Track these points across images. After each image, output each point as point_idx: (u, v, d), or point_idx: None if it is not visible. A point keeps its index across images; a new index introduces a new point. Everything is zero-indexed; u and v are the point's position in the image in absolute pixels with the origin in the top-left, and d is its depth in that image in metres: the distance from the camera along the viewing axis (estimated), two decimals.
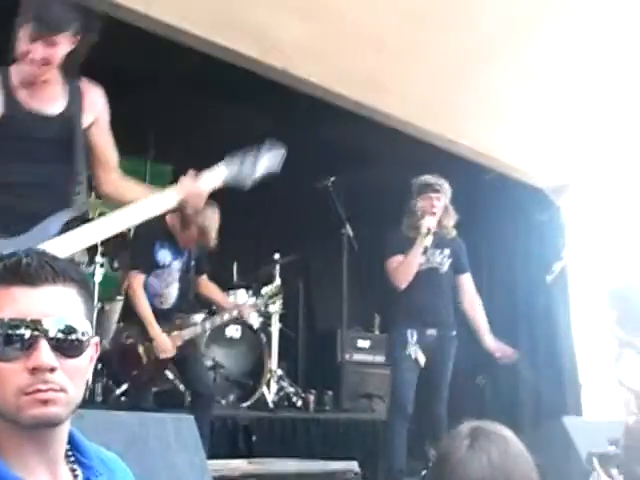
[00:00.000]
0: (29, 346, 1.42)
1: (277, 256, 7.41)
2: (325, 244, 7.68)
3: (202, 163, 5.37)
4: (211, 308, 6.31)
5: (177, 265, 5.29)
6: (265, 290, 5.95)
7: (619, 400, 6.29)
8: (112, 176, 3.44)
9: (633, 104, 6.69)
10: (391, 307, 5.61)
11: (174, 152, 7.36)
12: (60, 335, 1.45)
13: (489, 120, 6.68)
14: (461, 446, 1.71)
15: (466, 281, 5.69)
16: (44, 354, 1.42)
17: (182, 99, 6.58)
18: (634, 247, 7.49)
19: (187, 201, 3.32)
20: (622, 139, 7.44)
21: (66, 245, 2.96)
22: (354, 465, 3.71)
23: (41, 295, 1.46)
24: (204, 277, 5.65)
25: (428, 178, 5.55)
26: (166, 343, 5.05)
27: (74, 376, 1.47)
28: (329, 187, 6.93)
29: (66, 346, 1.46)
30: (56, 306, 1.47)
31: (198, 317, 6.00)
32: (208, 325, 5.53)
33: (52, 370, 1.42)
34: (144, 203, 3.25)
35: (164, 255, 5.23)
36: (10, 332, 1.42)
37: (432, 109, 6.76)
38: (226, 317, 5.61)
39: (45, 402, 1.42)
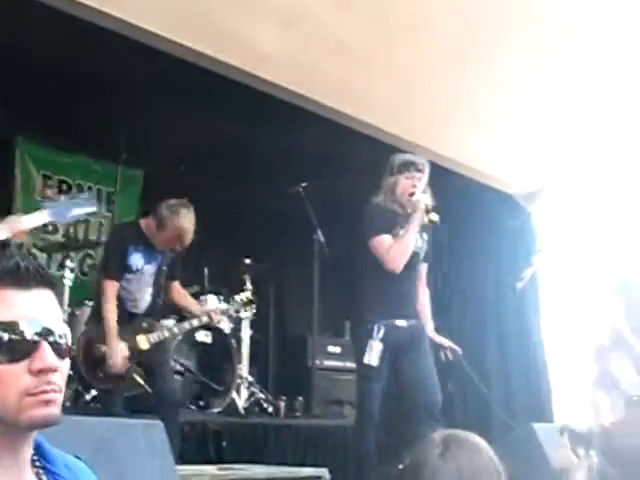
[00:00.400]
0: (33, 348, 1.44)
1: (248, 262, 7.40)
2: (296, 250, 7.68)
3: (173, 167, 5.35)
4: (182, 314, 6.28)
5: (150, 269, 5.29)
6: (238, 297, 5.93)
7: (589, 405, 6.31)
8: None
9: (603, 110, 6.76)
10: (359, 297, 5.16)
11: (145, 156, 7.34)
12: (57, 337, 1.48)
13: (459, 127, 6.71)
14: (433, 454, 1.72)
15: (424, 271, 5.41)
16: (50, 355, 1.45)
17: (154, 103, 6.55)
18: (606, 253, 7.56)
19: (13, 236, 3.64)
20: (593, 145, 7.51)
21: None
22: (324, 471, 3.71)
23: (35, 298, 1.48)
24: (176, 284, 5.63)
25: (409, 156, 5.24)
26: (117, 358, 5.05)
27: (64, 378, 1.51)
28: (301, 193, 6.92)
29: (60, 348, 1.49)
30: (48, 309, 1.51)
31: (168, 322, 5.97)
32: (177, 330, 5.51)
33: (54, 371, 1.45)
34: None
35: (137, 259, 5.23)
36: (12, 335, 1.44)
37: (403, 115, 6.78)
38: (195, 323, 5.59)
39: (47, 403, 1.44)
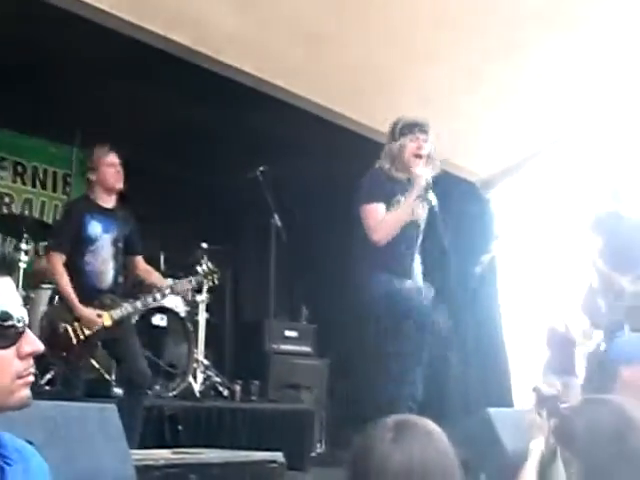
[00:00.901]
0: (19, 333, 1.54)
1: (205, 245, 7.36)
2: (253, 234, 7.68)
3: (129, 150, 5.31)
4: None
5: (108, 238, 5.28)
6: (200, 268, 5.88)
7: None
8: None
9: (559, 96, 6.83)
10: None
11: (101, 138, 7.25)
12: (25, 321, 1.57)
13: (420, 113, 6.73)
14: (384, 439, 1.72)
15: None
16: (36, 339, 1.56)
17: (110, 85, 6.48)
18: (561, 243, 7.64)
19: None
20: (549, 131, 7.59)
21: None
22: (279, 455, 3.72)
23: (8, 284, 1.57)
24: (139, 258, 5.59)
25: (413, 117, 4.91)
26: (92, 314, 5.03)
27: None
28: (259, 177, 6.91)
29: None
30: (17, 295, 1.59)
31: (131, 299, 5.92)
32: (139, 305, 5.44)
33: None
34: None
35: (95, 227, 5.23)
36: (3, 322, 1.51)
37: (362, 100, 6.79)
38: (159, 297, 5.53)
39: (29, 385, 1.55)
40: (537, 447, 3.11)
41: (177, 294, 5.79)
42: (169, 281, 5.78)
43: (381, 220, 4.65)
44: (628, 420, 2.57)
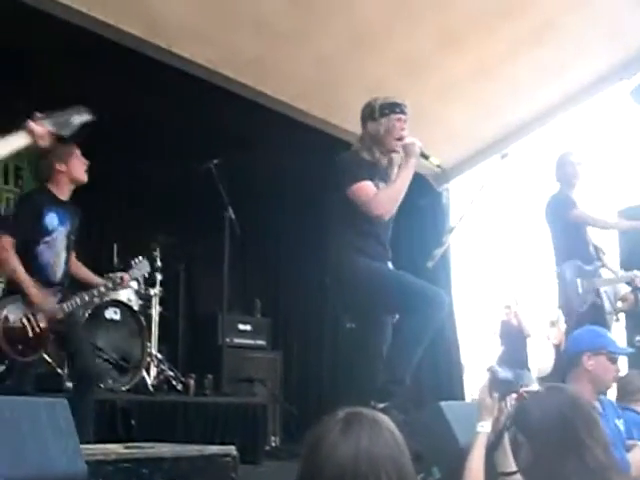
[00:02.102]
0: None
1: (158, 238, 7.31)
2: (207, 227, 7.62)
3: (80, 141, 5.24)
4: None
5: (63, 231, 5.25)
6: (141, 257, 5.86)
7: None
8: None
9: (511, 88, 6.90)
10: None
11: None
12: None
13: None
14: (334, 430, 1.74)
15: None
16: None
17: (60, 75, 6.40)
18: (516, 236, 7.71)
19: (35, 142, 3.66)
20: (503, 123, 7.66)
21: None
22: (232, 449, 3.70)
23: None
24: (73, 253, 5.54)
25: (391, 97, 4.65)
26: (44, 295, 5.00)
27: None
28: (212, 169, 6.87)
29: None
30: None
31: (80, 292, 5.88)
32: (87, 297, 5.40)
33: None
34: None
35: (52, 219, 5.18)
36: None
37: (316, 93, 6.80)
38: (103, 289, 5.50)
39: None
40: (484, 429, 3.14)
41: (124, 285, 5.74)
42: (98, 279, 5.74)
43: (377, 194, 4.45)
44: (577, 408, 2.62)
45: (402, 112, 4.60)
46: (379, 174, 4.59)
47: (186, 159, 7.08)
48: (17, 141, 3.64)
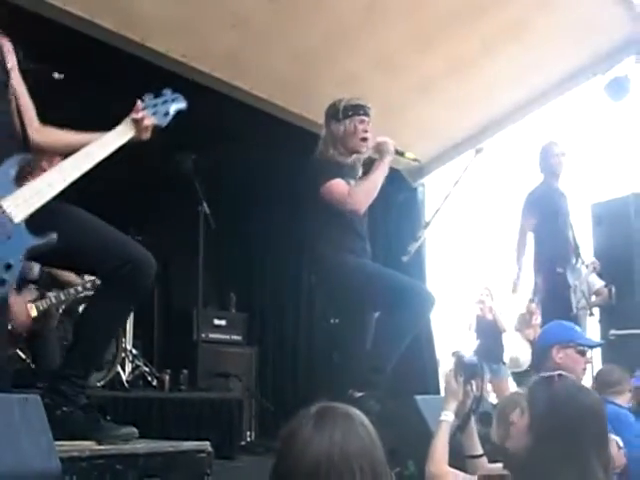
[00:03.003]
0: None
1: (132, 233, 7.28)
2: (182, 222, 7.60)
3: None
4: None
5: None
6: None
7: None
8: (35, 125, 3.29)
9: (487, 83, 6.93)
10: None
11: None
12: None
13: None
14: (307, 425, 1.74)
15: None
16: None
17: (34, 69, 6.34)
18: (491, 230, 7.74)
19: (139, 136, 3.45)
20: (478, 119, 7.69)
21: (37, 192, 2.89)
22: (206, 445, 3.69)
23: None
24: None
25: (356, 99, 4.74)
26: (20, 302, 4.96)
27: None
28: (187, 164, 6.85)
29: None
30: None
31: (53, 292, 5.85)
32: (62, 297, 5.38)
33: None
34: (101, 141, 3.39)
35: None
36: None
37: (292, 89, 6.79)
38: (80, 288, 5.48)
39: None
40: (448, 418, 3.17)
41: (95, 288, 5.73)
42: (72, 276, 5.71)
43: (351, 189, 4.52)
44: (563, 399, 2.63)
45: (365, 114, 4.69)
46: (347, 173, 4.65)
47: (160, 154, 7.05)
48: (120, 138, 3.36)
